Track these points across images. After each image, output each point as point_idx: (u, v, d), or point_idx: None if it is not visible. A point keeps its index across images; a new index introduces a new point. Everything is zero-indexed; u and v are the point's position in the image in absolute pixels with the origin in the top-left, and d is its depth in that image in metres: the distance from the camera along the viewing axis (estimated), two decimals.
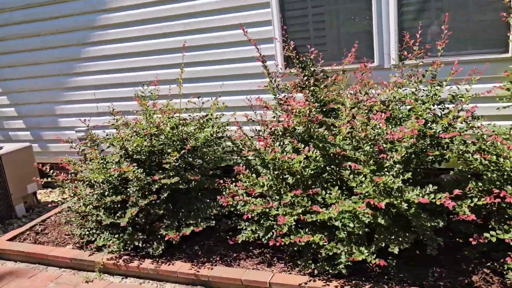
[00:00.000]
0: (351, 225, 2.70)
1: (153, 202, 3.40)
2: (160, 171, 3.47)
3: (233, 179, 3.40)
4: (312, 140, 3.07)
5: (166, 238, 3.26)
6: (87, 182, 3.80)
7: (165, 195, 3.38)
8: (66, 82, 5.15)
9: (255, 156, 3.36)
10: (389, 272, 2.95)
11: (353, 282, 2.87)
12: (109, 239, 3.60)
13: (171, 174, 3.34)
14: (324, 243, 2.80)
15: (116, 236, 3.57)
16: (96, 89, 5.03)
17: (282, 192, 3.05)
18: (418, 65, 3.38)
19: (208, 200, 3.59)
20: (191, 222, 3.41)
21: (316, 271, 2.98)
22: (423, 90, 3.12)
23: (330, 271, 2.93)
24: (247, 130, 4.13)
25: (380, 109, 3.12)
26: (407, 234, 2.74)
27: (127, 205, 3.51)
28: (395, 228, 2.77)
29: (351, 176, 2.74)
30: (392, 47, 3.74)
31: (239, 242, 3.27)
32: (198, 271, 3.20)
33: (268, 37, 4.15)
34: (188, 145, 3.48)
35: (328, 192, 2.88)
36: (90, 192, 3.76)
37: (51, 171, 3.89)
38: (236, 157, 3.78)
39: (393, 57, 3.76)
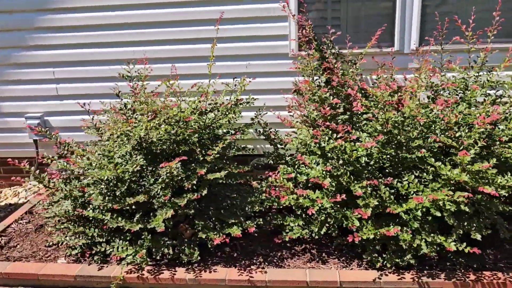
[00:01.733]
0: (438, 214, 2.60)
1: (191, 201, 2.89)
2: (193, 164, 2.96)
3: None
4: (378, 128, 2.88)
5: (215, 242, 2.78)
6: (90, 180, 3.08)
7: (205, 192, 2.89)
8: (13, 57, 4.13)
9: (303, 144, 3.06)
10: (448, 259, 2.93)
11: (426, 272, 2.80)
12: (123, 247, 2.97)
13: (219, 167, 2.86)
14: (403, 235, 2.66)
15: (138, 243, 2.97)
16: (56, 67, 4.13)
17: (344, 183, 2.82)
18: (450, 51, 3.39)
19: (244, 195, 3.19)
20: (233, 221, 2.98)
21: (387, 264, 2.82)
22: (475, 76, 3.14)
23: (400, 263, 2.81)
24: (271, 116, 3.75)
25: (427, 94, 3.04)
26: (481, 219, 2.74)
27: (150, 206, 2.94)
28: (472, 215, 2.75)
29: (438, 163, 2.63)
30: (414, 32, 3.71)
31: (286, 240, 2.98)
32: (252, 276, 2.82)
33: (280, 15, 3.81)
34: (228, 136, 3.02)
35: (405, 180, 2.75)
36: (93, 192, 3.06)
37: (30, 167, 3.08)
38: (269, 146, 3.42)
39: (414, 42, 3.74)
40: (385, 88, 2.85)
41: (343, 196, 2.74)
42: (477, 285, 2.67)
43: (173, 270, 2.93)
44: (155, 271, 2.92)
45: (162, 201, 2.89)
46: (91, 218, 3.22)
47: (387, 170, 2.99)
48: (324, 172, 2.85)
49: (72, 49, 4.05)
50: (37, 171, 3.30)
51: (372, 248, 2.89)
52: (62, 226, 3.21)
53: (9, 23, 4.00)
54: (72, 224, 3.23)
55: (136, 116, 3.26)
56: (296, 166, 3.25)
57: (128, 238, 3.07)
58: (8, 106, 4.29)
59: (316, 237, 3.01)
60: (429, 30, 3.70)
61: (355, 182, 2.81)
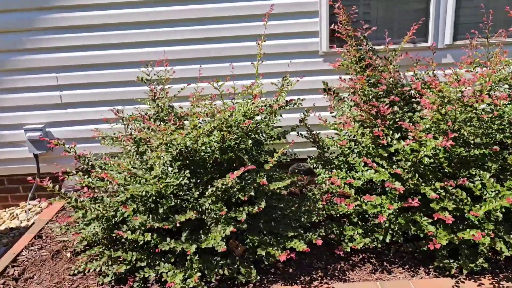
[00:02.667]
0: None
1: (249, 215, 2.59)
2: (247, 174, 2.66)
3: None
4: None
5: (282, 259, 2.49)
6: (123, 197, 2.71)
7: (263, 204, 2.60)
8: (10, 62, 3.66)
9: (348, 146, 2.84)
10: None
11: (502, 276, 2.65)
12: (172, 271, 2.62)
13: (283, 177, 2.58)
14: (484, 239, 2.50)
15: (186, 265, 2.63)
16: (59, 72, 3.70)
17: (412, 186, 2.62)
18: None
19: (295, 205, 2.92)
20: (292, 234, 2.71)
21: (463, 270, 2.64)
22: None
23: (474, 268, 2.65)
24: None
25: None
26: None
27: (197, 223, 2.62)
28: None
29: None
30: (448, 27, 3.60)
31: (348, 250, 2.76)
32: None
33: (309, 10, 3.59)
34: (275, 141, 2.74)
35: (477, 180, 2.58)
36: (133, 210, 2.69)
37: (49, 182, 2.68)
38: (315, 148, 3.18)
39: (448, 36, 3.62)
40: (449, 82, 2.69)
41: (416, 200, 2.54)
42: None
43: None
44: None
45: (215, 216, 2.58)
46: (124, 241, 2.87)
47: (446, 170, 2.83)
48: (390, 175, 2.64)
49: (79, 51, 3.64)
50: (55, 188, 2.89)
51: (441, 254, 2.71)
52: (93, 252, 2.81)
53: (5, 24, 3.54)
54: (102, 248, 2.84)
55: (166, 123, 2.92)
56: (345, 170, 3.04)
57: (172, 260, 2.72)
58: (4, 118, 3.80)
59: (379, 245, 2.80)
60: (462, 24, 3.60)
61: (423, 184, 2.63)
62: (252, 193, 2.57)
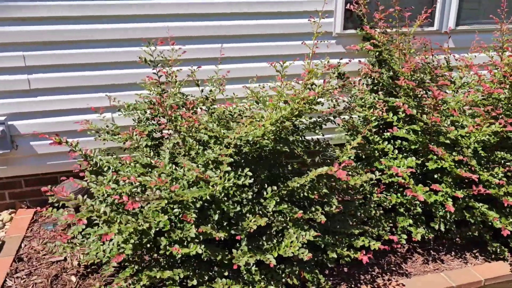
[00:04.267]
0: None
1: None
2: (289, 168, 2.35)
3: None
4: None
5: (364, 260, 2.24)
6: (158, 205, 2.20)
7: (335, 202, 2.31)
8: None
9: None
10: None
11: None
12: (228, 285, 2.23)
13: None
14: None
15: (245, 278, 2.25)
16: (27, 50, 2.92)
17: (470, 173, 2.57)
18: None
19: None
20: (358, 231, 2.48)
21: None
22: None
23: None
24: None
25: None
26: None
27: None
28: None
29: None
30: (453, 10, 3.62)
31: (403, 242, 2.64)
32: None
33: None
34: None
35: None
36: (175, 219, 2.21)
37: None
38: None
39: (452, 21, 3.66)
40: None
41: (480, 187, 2.49)
42: None
43: None
44: None
45: (283, 219, 2.24)
46: (157, 257, 2.38)
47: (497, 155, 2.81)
48: (454, 162, 2.55)
49: (53, 25, 2.91)
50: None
51: (489, 238, 2.73)
52: (127, 274, 2.26)
53: None
54: (134, 267, 2.32)
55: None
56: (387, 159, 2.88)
57: (225, 274, 2.32)
58: None
59: (432, 235, 2.72)
60: (466, 9, 3.66)
61: (484, 170, 2.60)
62: (326, 190, 2.27)
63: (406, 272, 2.62)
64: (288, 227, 2.24)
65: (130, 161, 2.51)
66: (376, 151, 2.89)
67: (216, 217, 2.22)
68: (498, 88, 2.53)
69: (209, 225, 2.16)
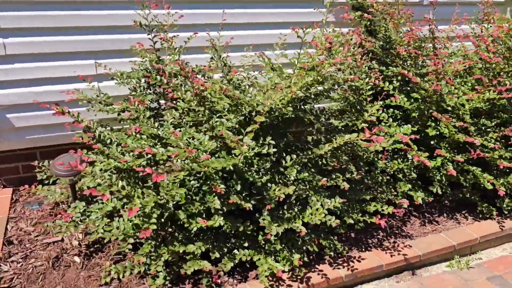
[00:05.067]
0: None
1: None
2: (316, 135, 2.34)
3: None
4: None
5: (382, 224, 2.30)
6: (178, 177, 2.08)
7: (353, 169, 2.33)
8: None
9: None
10: None
11: None
12: (250, 256, 2.20)
13: None
14: None
15: (265, 248, 2.23)
16: (1, 10, 2.60)
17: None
18: None
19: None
20: (369, 196, 2.54)
21: (504, 211, 2.91)
22: None
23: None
24: None
25: None
26: None
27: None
28: None
29: None
30: None
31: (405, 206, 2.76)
32: (406, 254, 2.50)
33: None
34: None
35: None
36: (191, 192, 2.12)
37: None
38: None
39: None
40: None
41: (478, 151, 2.64)
42: None
43: (319, 270, 2.34)
44: (297, 277, 2.28)
45: (305, 187, 2.23)
46: (172, 231, 2.29)
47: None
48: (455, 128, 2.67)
49: None
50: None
51: (478, 199, 2.92)
52: (146, 250, 2.14)
53: None
54: (152, 243, 2.21)
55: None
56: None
57: (245, 245, 2.29)
58: None
59: (431, 199, 2.86)
60: None
61: (478, 136, 2.75)
62: (346, 158, 2.29)
63: (408, 234, 2.75)
64: (310, 195, 2.24)
65: (137, 132, 2.35)
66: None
67: (238, 187, 2.16)
68: (497, 57, 2.66)
69: (234, 195, 2.09)
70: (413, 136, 2.65)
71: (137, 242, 2.34)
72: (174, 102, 2.60)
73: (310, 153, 2.23)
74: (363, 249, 2.56)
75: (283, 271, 2.18)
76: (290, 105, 2.13)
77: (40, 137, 2.89)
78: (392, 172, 2.81)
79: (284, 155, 2.30)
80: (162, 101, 2.80)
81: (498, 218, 2.91)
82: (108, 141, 2.36)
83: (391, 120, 2.93)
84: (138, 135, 2.39)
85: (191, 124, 2.44)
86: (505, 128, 2.76)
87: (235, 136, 1.99)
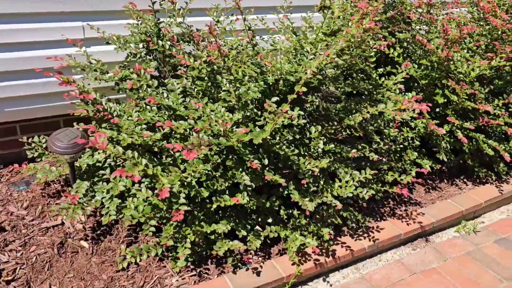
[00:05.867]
0: None
1: None
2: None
3: None
4: None
5: (404, 193, 2.27)
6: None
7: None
8: None
9: None
10: None
11: None
12: (277, 231, 2.11)
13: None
14: None
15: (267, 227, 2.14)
16: None
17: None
18: None
19: None
20: (388, 166, 2.50)
21: (501, 176, 3.01)
22: None
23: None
24: None
25: None
26: None
27: None
28: None
29: None
30: None
31: (414, 175, 2.77)
32: (421, 222, 2.51)
33: None
34: None
35: None
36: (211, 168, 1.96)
37: None
38: None
39: None
40: None
41: (486, 118, 2.67)
42: None
43: (342, 243, 2.30)
44: (322, 250, 2.23)
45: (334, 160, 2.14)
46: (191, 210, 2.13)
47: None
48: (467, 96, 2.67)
49: None
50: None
51: (477, 165, 3.00)
52: (170, 231, 1.97)
53: None
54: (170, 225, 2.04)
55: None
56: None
57: (269, 221, 2.19)
58: None
59: (439, 166, 2.89)
60: None
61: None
62: (372, 128, 2.21)
63: (417, 201, 2.77)
64: (337, 167, 2.16)
65: (150, 103, 2.12)
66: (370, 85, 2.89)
67: (266, 161, 2.03)
68: (508, 24, 2.66)
69: (269, 171, 1.96)
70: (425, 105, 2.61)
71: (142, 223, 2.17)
72: (181, 68, 2.37)
73: (336, 123, 2.13)
74: (378, 219, 2.55)
75: (316, 246, 2.11)
76: (321, 72, 2.00)
77: (20, 110, 2.57)
78: (401, 141, 2.79)
79: (308, 126, 2.19)
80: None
81: (495, 182, 3.01)
82: (115, 114, 2.12)
83: (394, 87, 2.88)
84: (148, 107, 2.17)
85: (201, 94, 2.24)
86: (508, 96, 2.81)
87: (274, 106, 1.83)
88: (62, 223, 2.26)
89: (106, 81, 2.37)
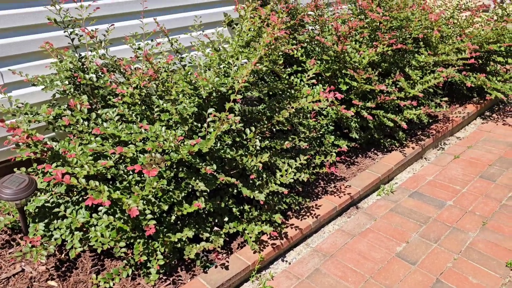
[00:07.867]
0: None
1: None
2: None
3: None
4: None
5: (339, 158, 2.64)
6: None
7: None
8: None
9: None
10: None
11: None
12: (235, 227, 2.34)
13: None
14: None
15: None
16: None
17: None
18: None
19: None
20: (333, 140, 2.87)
21: (403, 142, 3.56)
22: None
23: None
24: None
25: None
26: None
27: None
28: None
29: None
30: None
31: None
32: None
33: None
34: None
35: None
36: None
37: None
38: None
39: None
40: None
41: (382, 96, 3.18)
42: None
43: (290, 224, 2.60)
44: (281, 234, 2.51)
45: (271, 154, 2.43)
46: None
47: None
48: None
49: None
50: None
51: (383, 137, 3.52)
52: (140, 248, 2.09)
53: None
54: (140, 241, 2.17)
55: None
56: None
57: (225, 220, 2.41)
58: None
59: (353, 143, 3.34)
60: None
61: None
62: (296, 120, 2.54)
63: (342, 177, 3.18)
64: (276, 159, 2.45)
65: (97, 134, 2.22)
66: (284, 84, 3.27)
67: (214, 166, 2.25)
68: (384, 16, 3.19)
69: (222, 174, 2.19)
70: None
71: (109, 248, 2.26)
72: (111, 98, 2.50)
73: (267, 122, 2.42)
74: (315, 198, 2.90)
75: (273, 231, 2.37)
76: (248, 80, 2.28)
77: None
78: (319, 128, 3.18)
79: (243, 129, 2.46)
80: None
81: (399, 148, 3.56)
82: (61, 151, 2.18)
83: (301, 83, 3.29)
84: (92, 139, 2.26)
85: (139, 118, 2.40)
86: (394, 76, 3.36)
87: (220, 114, 2.06)
88: (22, 270, 2.25)
89: (39, 121, 2.40)
